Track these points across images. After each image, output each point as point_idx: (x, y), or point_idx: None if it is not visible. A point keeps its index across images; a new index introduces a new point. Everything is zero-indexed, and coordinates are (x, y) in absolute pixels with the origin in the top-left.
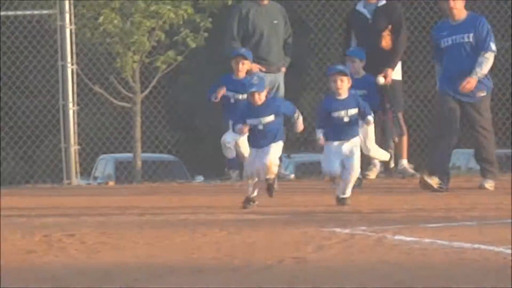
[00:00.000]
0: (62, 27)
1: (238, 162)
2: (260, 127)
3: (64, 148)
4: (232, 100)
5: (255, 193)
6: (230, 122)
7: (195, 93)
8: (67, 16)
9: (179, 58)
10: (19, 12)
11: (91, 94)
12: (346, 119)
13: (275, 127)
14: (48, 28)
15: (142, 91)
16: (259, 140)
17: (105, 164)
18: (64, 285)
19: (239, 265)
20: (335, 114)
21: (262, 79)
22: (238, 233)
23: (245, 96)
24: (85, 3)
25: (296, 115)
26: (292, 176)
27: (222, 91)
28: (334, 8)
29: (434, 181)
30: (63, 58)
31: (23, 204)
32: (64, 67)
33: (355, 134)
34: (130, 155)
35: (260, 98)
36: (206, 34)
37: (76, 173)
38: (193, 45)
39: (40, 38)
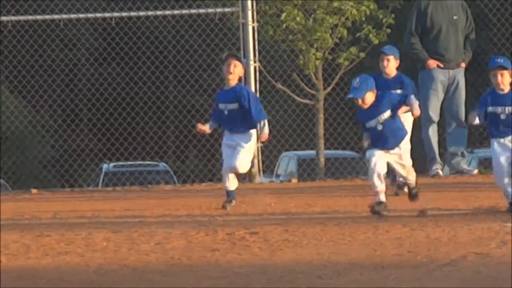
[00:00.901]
0: (245, 25)
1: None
2: (379, 127)
3: None
4: (226, 112)
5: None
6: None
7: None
8: (249, 13)
9: (362, 54)
10: (201, 10)
11: (274, 91)
12: (502, 116)
13: (394, 124)
14: (230, 26)
15: (325, 88)
16: (382, 141)
17: (287, 162)
18: (246, 283)
19: (422, 261)
20: (490, 109)
21: (366, 80)
22: (421, 229)
23: (235, 105)
24: (267, 1)
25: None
26: (476, 171)
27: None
28: None
29: None
30: (246, 55)
31: (206, 202)
32: (247, 65)
33: None
34: (313, 152)
35: (365, 102)
36: (388, 30)
37: (258, 170)
38: (376, 42)
39: (223, 36)
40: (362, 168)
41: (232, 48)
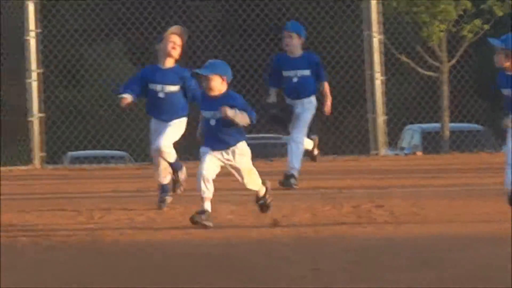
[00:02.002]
0: None
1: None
2: (212, 122)
3: (371, 119)
4: (161, 95)
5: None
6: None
7: None
8: None
9: (486, 26)
10: None
11: (398, 64)
12: None
13: (232, 125)
14: None
15: (449, 60)
16: (214, 140)
17: (412, 135)
18: (370, 257)
19: None
20: None
21: (218, 64)
22: None
23: (165, 88)
24: None
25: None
26: None
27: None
28: None
29: None
30: (369, 28)
31: (334, 175)
32: (370, 37)
33: None
34: (437, 125)
35: (211, 85)
36: None
37: (383, 143)
38: (500, 14)
39: (346, 8)
40: (488, 141)
41: (356, 20)
